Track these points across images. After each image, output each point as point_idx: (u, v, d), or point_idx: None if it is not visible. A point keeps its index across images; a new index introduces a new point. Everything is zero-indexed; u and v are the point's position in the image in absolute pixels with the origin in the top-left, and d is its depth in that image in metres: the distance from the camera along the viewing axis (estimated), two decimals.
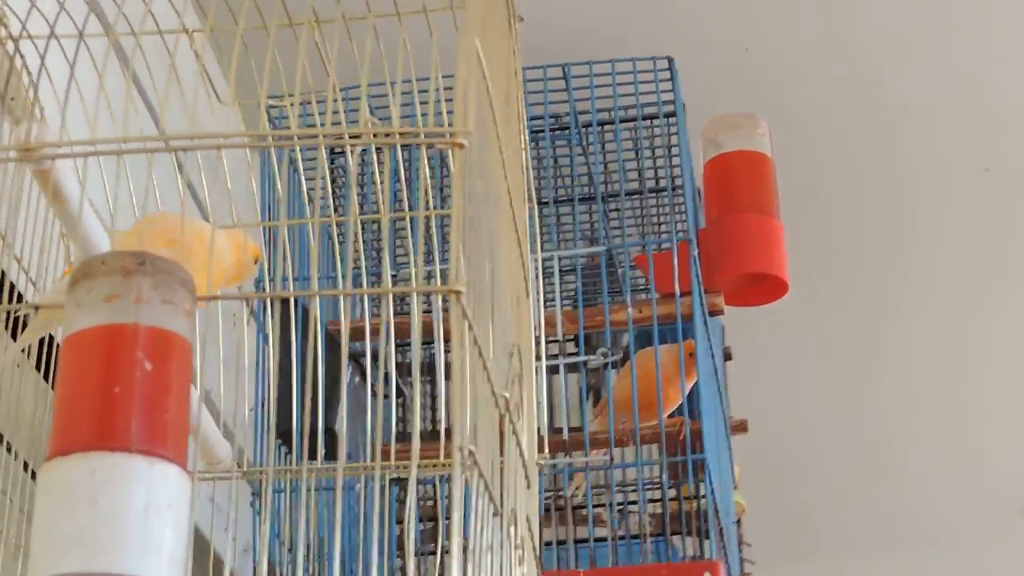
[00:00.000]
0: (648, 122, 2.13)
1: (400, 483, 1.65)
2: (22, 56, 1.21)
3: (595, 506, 2.06)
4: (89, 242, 1.03)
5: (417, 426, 0.82)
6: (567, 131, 2.10)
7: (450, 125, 0.88)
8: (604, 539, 1.96)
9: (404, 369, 2.07)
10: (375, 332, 1.79)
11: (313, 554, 1.82)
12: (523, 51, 1.95)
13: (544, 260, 2.06)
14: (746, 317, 2.60)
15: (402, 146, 1.03)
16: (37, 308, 1.02)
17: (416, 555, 1.99)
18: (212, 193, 0.97)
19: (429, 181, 1.08)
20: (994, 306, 3.52)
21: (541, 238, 2.22)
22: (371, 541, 0.84)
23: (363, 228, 1.95)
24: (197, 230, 1.11)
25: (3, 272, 1.24)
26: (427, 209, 1.48)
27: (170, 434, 0.81)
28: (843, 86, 2.93)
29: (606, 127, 2.14)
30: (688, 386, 1.95)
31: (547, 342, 1.93)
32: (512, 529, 1.01)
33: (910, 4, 2.75)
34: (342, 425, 0.85)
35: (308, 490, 1.09)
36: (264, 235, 1.76)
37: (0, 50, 1.19)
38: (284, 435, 1.76)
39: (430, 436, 2.15)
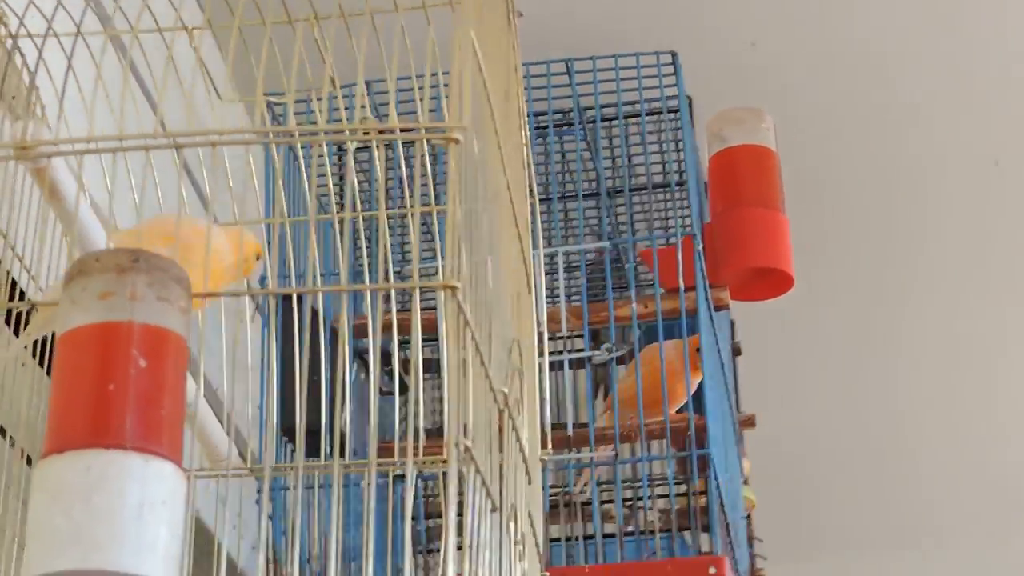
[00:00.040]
0: (654, 117, 2.12)
1: (402, 479, 1.65)
2: (22, 54, 1.21)
3: (604, 502, 2.06)
4: (86, 240, 1.03)
5: (411, 423, 0.82)
6: (572, 127, 2.10)
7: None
8: (613, 534, 1.96)
9: (409, 366, 2.06)
10: (385, 329, 1.79)
11: (320, 552, 1.82)
12: (528, 47, 1.95)
13: (551, 256, 2.06)
14: (758, 313, 2.59)
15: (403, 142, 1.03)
16: (33, 306, 1.02)
17: (423, 552, 1.99)
18: (212, 189, 0.96)
19: (431, 177, 1.08)
20: (1006, 298, 3.51)
21: (551, 233, 2.21)
22: (367, 539, 0.84)
23: (370, 225, 1.95)
24: (198, 228, 1.11)
25: (7, 270, 1.24)
26: (425, 205, 1.48)
27: (165, 431, 0.80)
28: (851, 79, 2.93)
29: (613, 122, 2.14)
30: (695, 382, 1.95)
31: (552, 338, 1.93)
32: (512, 525, 1.01)
33: None
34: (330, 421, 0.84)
35: (296, 487, 1.08)
36: (267, 232, 1.76)
37: (0, 48, 1.19)
38: (288, 431, 1.77)
39: (436, 433, 2.15)
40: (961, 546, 4.04)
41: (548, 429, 1.30)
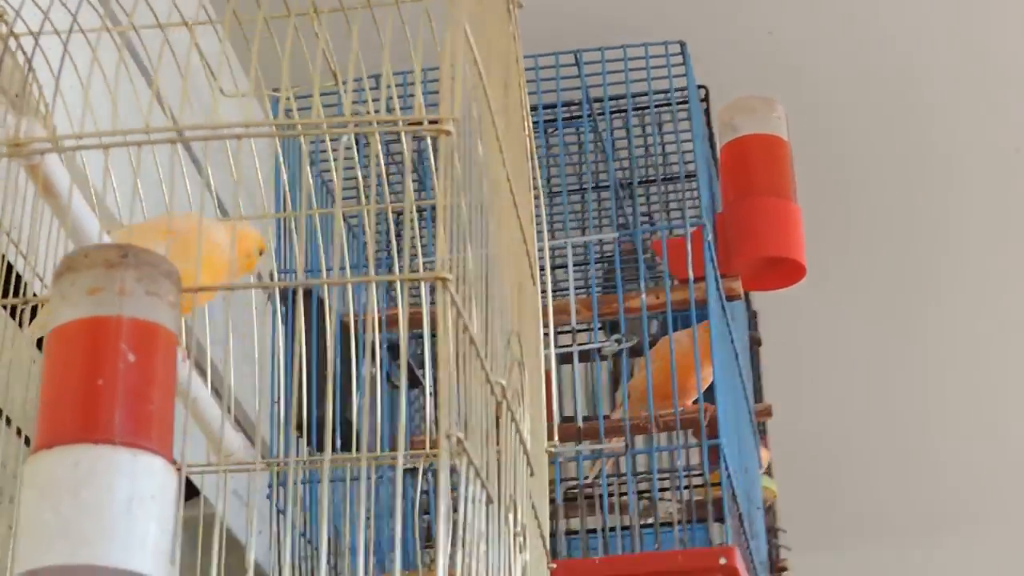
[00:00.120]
0: (665, 107, 2.12)
1: (412, 473, 1.65)
2: (24, 52, 1.21)
3: (621, 494, 2.05)
4: (84, 237, 1.03)
5: (403, 419, 0.82)
6: (580, 119, 2.09)
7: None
8: (629, 526, 1.95)
9: (416, 361, 2.07)
10: (392, 323, 1.79)
11: (333, 547, 1.82)
12: (541, 39, 1.95)
13: (564, 248, 2.06)
14: (783, 302, 2.59)
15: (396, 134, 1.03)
16: (29, 304, 1.02)
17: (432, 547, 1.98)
18: (204, 184, 0.96)
19: (434, 171, 1.07)
20: None
21: (563, 225, 2.21)
22: (356, 533, 0.84)
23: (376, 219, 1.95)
24: (195, 224, 1.11)
25: (10, 265, 1.24)
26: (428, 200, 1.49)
27: (154, 426, 0.81)
28: (870, 68, 2.92)
29: (626, 113, 2.13)
30: (708, 373, 1.94)
31: (560, 332, 1.92)
32: (511, 516, 1.01)
33: None
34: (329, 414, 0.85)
35: (295, 483, 1.09)
36: (277, 225, 1.77)
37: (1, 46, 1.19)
38: (298, 426, 1.77)
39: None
40: (992, 534, 4.02)
41: (556, 420, 1.30)
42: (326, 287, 1.03)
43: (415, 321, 1.65)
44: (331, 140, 1.42)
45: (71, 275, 0.82)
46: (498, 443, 0.99)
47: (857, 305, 3.54)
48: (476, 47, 0.99)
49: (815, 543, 3.40)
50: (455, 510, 0.87)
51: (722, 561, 1.73)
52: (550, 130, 2.10)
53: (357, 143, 1.78)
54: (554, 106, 2.05)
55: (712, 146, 2.26)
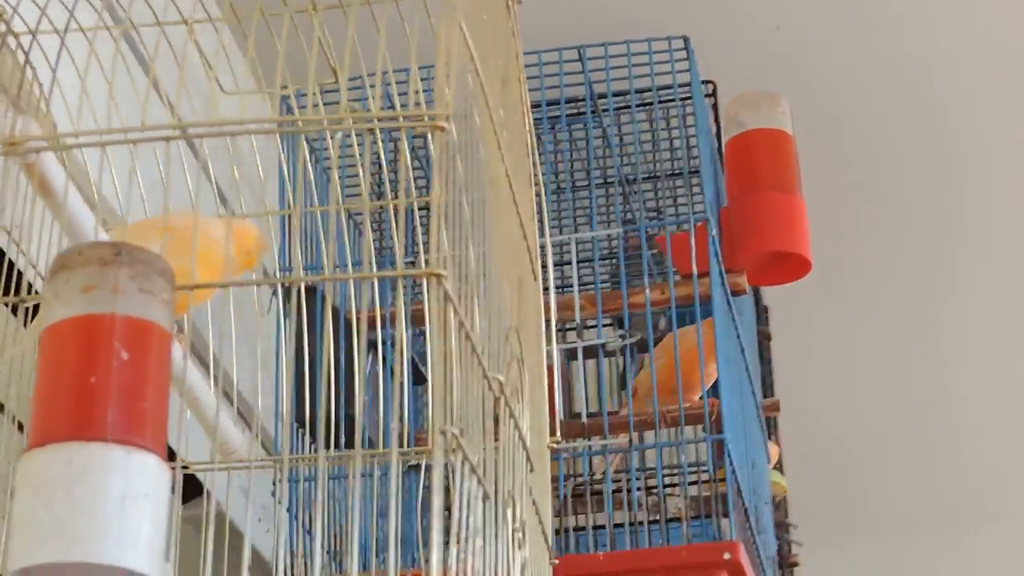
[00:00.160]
0: (670, 103, 2.11)
1: (416, 470, 1.65)
2: (24, 51, 1.21)
3: (628, 490, 2.05)
4: (80, 235, 1.03)
5: (397, 415, 0.82)
6: (584, 115, 2.09)
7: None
8: (640, 522, 1.95)
9: (421, 357, 2.07)
10: (394, 320, 1.79)
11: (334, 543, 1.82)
12: (544, 35, 1.94)
13: (569, 243, 2.06)
14: (794, 297, 2.58)
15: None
16: (31, 302, 1.02)
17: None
18: (198, 181, 0.97)
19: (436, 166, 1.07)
20: None
21: (575, 220, 2.21)
22: (353, 530, 0.84)
23: (379, 215, 1.95)
24: (192, 221, 1.11)
25: (11, 263, 1.24)
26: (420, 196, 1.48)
27: (148, 423, 0.81)
28: (878, 62, 2.91)
29: (629, 109, 2.13)
30: (713, 369, 1.94)
31: (562, 329, 1.92)
32: (509, 512, 1.01)
33: None
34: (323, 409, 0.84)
35: (295, 481, 1.08)
36: (282, 222, 1.77)
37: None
38: (302, 422, 1.77)
39: None
40: (1002, 531, 4.01)
41: (560, 416, 1.30)
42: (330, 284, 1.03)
43: (420, 318, 1.65)
44: (331, 136, 1.41)
45: (65, 273, 0.82)
46: (497, 439, 0.99)
47: (869, 299, 3.53)
48: (473, 43, 0.98)
49: (826, 539, 3.40)
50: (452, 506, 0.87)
51: (726, 556, 1.73)
52: (554, 126, 2.10)
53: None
54: (558, 102, 2.05)
55: (720, 141, 2.26)
